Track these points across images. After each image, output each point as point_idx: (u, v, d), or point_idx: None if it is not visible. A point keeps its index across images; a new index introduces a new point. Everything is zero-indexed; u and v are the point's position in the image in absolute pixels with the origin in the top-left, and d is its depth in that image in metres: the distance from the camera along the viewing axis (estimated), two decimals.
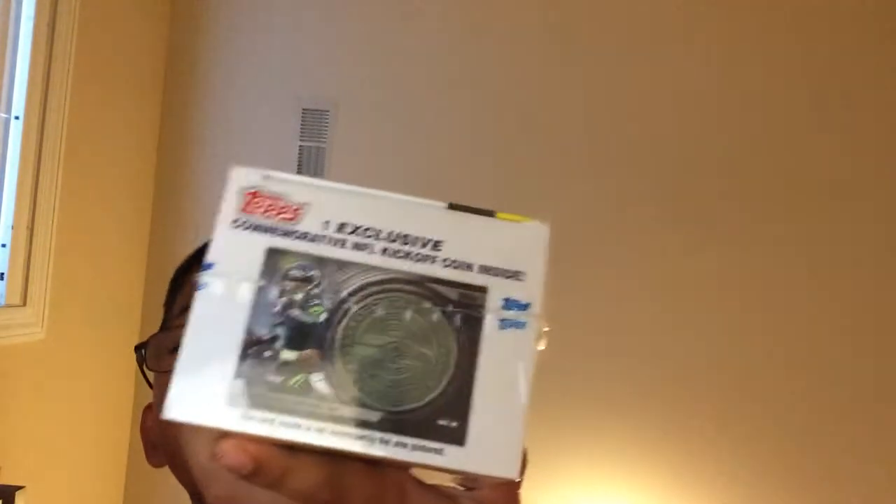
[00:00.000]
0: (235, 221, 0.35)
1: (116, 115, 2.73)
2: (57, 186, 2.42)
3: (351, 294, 0.34)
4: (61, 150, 2.42)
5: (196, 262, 0.74)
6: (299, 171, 2.83)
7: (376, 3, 2.88)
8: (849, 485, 2.53)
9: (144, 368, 0.68)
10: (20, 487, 2.14)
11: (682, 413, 2.62)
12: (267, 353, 0.32)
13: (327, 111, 2.85)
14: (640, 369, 2.64)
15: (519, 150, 2.75)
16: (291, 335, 0.33)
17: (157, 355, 0.68)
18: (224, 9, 2.94)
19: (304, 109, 2.86)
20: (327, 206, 0.35)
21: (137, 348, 0.69)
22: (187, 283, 0.73)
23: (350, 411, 0.32)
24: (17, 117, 2.32)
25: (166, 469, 0.70)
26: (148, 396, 0.71)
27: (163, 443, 0.68)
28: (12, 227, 2.33)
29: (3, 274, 2.33)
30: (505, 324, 0.34)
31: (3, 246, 2.33)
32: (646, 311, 2.64)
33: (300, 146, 2.84)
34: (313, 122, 2.85)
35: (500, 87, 2.78)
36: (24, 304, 2.37)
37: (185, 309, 0.66)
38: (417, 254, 0.35)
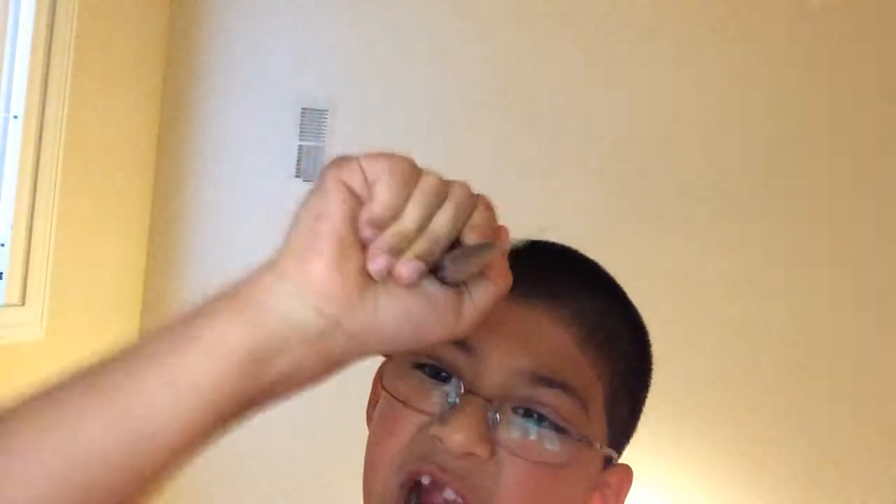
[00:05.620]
0: None
1: (115, 114, 2.73)
2: (56, 186, 2.41)
3: None
4: (60, 150, 2.42)
5: None
6: (298, 171, 2.83)
7: (376, 2, 2.88)
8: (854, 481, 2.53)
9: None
10: None
11: (681, 412, 2.61)
12: None
13: (326, 111, 2.85)
14: None
15: (519, 149, 2.75)
16: None
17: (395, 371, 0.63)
18: (223, 8, 2.94)
19: (303, 109, 2.85)
20: None
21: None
22: None
23: None
24: (15, 116, 2.32)
25: None
26: None
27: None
28: (11, 227, 2.33)
29: (1, 273, 2.33)
30: None
31: (2, 245, 2.33)
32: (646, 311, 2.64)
33: (299, 145, 2.84)
34: (312, 121, 2.85)
35: (500, 86, 2.77)
36: (23, 303, 2.36)
37: None
38: None
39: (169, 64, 2.96)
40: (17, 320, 2.34)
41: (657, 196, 2.66)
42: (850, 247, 2.58)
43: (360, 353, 0.48)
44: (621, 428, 0.68)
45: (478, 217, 0.50)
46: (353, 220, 0.47)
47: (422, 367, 0.61)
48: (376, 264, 0.46)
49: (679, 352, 2.64)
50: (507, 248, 0.53)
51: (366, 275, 0.47)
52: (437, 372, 0.60)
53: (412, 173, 0.51)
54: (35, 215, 2.37)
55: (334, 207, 0.47)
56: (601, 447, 0.63)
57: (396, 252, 0.46)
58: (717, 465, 2.61)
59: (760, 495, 2.57)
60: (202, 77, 2.95)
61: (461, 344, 0.60)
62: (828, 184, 2.60)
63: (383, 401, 0.63)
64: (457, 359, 0.60)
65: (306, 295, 0.46)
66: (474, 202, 0.51)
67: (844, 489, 2.53)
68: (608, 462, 0.65)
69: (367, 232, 0.47)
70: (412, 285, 0.47)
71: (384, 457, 0.60)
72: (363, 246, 0.47)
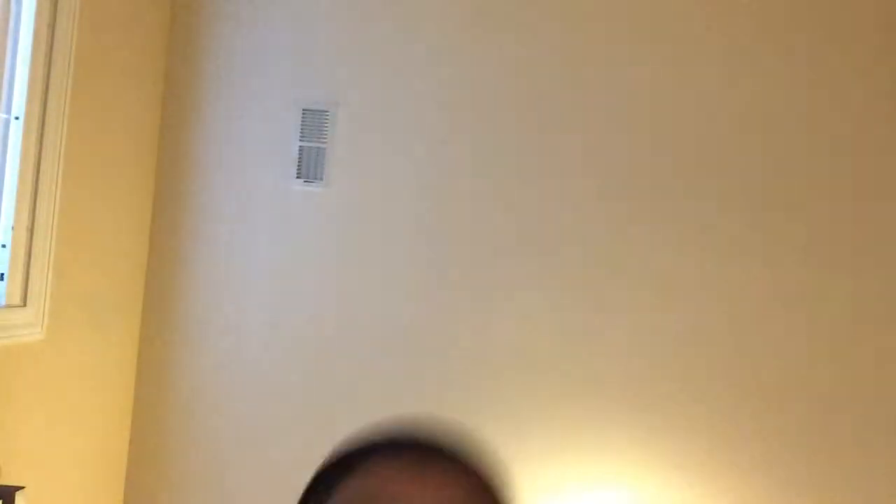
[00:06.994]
0: None
1: (116, 115, 2.73)
2: (57, 187, 2.42)
3: None
4: (61, 151, 2.43)
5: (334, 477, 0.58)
6: (299, 172, 2.83)
7: (376, 2, 2.89)
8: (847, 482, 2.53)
9: None
10: (20, 487, 2.14)
11: (671, 408, 2.62)
12: None
13: (327, 111, 2.85)
14: (631, 366, 2.65)
15: (518, 149, 2.75)
16: None
17: None
18: (224, 10, 2.94)
19: (304, 110, 2.86)
20: None
21: None
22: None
23: None
24: (17, 118, 2.32)
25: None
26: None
27: None
28: (12, 228, 2.33)
29: (3, 274, 2.33)
30: None
31: (4, 246, 2.33)
32: (637, 309, 2.64)
33: (300, 146, 2.84)
34: (313, 122, 2.85)
35: (499, 87, 2.78)
36: (24, 304, 2.37)
37: None
38: None
39: (170, 65, 2.97)
40: (19, 321, 2.34)
41: (672, 198, 2.66)
42: (872, 251, 2.58)
43: None
44: None
45: None
46: None
47: None
48: None
49: (668, 347, 2.63)
50: None
51: None
52: None
53: None
54: (36, 217, 2.37)
55: None
56: None
57: None
58: (700, 461, 2.60)
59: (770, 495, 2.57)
60: (203, 78, 2.95)
61: None
62: (850, 185, 2.60)
63: None
64: None
65: None
66: None
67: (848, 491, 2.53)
68: None
69: None
70: None
71: None
72: None
